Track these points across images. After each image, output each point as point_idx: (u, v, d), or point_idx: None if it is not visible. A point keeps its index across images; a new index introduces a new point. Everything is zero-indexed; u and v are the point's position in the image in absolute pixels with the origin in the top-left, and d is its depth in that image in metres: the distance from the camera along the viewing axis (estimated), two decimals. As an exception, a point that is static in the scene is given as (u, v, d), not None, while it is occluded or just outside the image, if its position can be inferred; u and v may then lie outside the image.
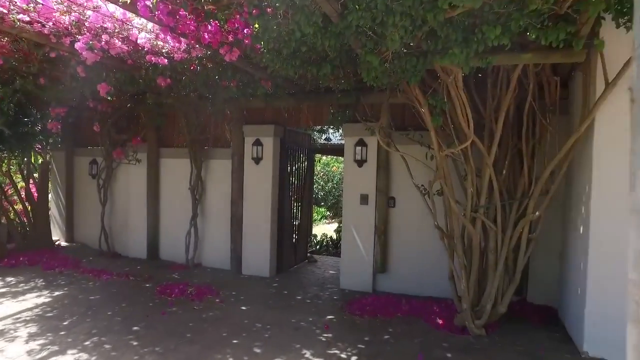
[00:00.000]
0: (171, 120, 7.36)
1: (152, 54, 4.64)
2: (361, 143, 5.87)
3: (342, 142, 12.46)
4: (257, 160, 6.53)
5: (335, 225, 15.80)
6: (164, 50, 4.70)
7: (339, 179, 21.88)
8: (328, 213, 19.68)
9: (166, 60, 4.73)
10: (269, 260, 6.54)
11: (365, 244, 5.90)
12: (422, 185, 4.93)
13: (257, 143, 6.50)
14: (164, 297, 5.41)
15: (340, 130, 14.24)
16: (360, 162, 5.89)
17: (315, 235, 10.91)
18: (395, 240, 5.87)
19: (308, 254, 8.10)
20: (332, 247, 10.89)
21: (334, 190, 20.56)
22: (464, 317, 4.29)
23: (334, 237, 11.51)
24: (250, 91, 5.59)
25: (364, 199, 5.88)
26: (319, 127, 8.94)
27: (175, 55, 4.65)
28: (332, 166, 21.66)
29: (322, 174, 20.48)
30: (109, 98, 5.68)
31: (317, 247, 10.26)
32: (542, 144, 4.40)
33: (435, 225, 4.62)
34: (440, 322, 4.57)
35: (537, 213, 4.13)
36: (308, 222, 8.09)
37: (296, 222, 7.43)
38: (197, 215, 6.97)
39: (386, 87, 4.71)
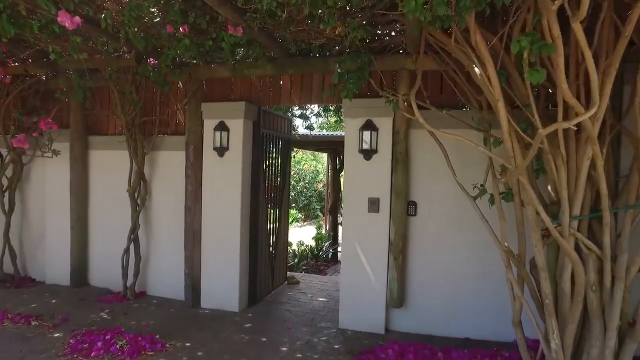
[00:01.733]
0: (103, 97, 5.42)
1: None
2: (369, 127, 4.18)
3: (326, 133, 10.73)
4: (221, 151, 4.73)
5: (308, 230, 14.07)
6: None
7: (311, 177, 20.26)
8: (300, 215, 18.04)
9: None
10: (238, 287, 4.76)
11: (376, 267, 4.23)
12: (480, 184, 3.30)
13: (221, 127, 4.70)
14: (76, 357, 3.54)
15: (322, 119, 12.43)
16: (369, 153, 4.21)
17: (290, 244, 9.14)
18: (416, 262, 4.24)
19: (287, 274, 6.36)
20: (312, 258, 9.20)
21: (305, 190, 18.95)
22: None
23: (312, 245, 9.81)
24: (210, 45, 3.78)
25: (374, 205, 4.21)
26: (302, 109, 7.18)
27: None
28: (304, 164, 20.02)
29: (292, 172, 18.90)
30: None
31: (295, 259, 8.52)
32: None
33: (504, 250, 2.99)
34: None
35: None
36: (286, 233, 6.34)
37: (273, 234, 5.67)
38: (139, 226, 5.08)
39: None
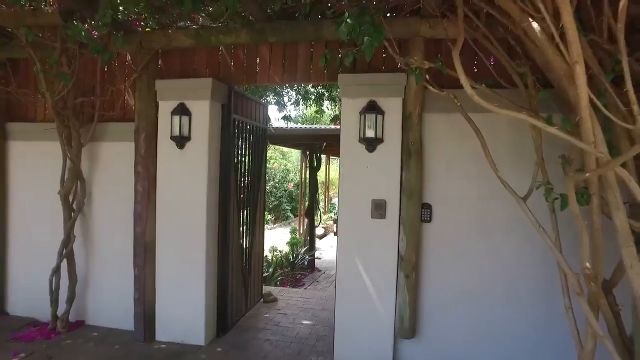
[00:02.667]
0: (25, 71, 4.25)
1: None
2: (373, 109, 3.28)
3: (303, 127, 9.69)
4: (182, 141, 3.70)
5: (279, 233, 13.05)
6: None
7: (281, 177, 19.24)
8: (269, 217, 16.99)
9: None
10: (203, 314, 3.74)
11: (381, 287, 3.34)
12: (547, 182, 2.46)
13: (182, 111, 3.67)
14: None
15: (296, 112, 11.35)
16: (372, 143, 3.31)
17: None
18: (432, 280, 3.38)
19: (263, 291, 5.37)
20: (287, 266, 8.23)
21: (275, 190, 17.91)
22: None
23: (286, 250, 8.84)
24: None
25: (380, 209, 3.32)
26: (277, 97, 6.18)
27: None
28: (274, 162, 18.98)
29: (262, 171, 17.72)
30: None
31: (269, 268, 7.51)
32: None
33: (585, 271, 2.16)
34: None
35: None
36: (262, 241, 5.34)
37: (247, 243, 4.66)
38: (74, 238, 3.95)
39: None
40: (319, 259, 9.27)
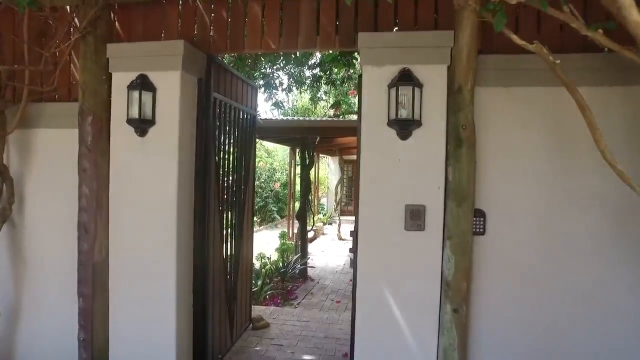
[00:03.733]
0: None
1: None
2: (408, 80, 2.37)
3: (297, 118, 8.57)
4: (143, 126, 2.72)
5: (265, 236, 12.02)
6: None
7: (267, 176, 18.22)
8: (255, 219, 15.96)
9: None
10: (174, 354, 2.77)
11: (418, 325, 2.44)
12: None
13: (143, 85, 2.68)
14: None
15: (292, 97, 10.31)
16: (407, 126, 2.40)
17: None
18: (488, 315, 2.48)
19: (252, 313, 4.41)
20: (277, 275, 7.27)
21: (260, 190, 16.89)
22: None
23: (275, 257, 7.87)
24: None
25: (416, 217, 2.41)
26: (266, 79, 5.18)
27: None
28: (259, 161, 17.96)
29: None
30: None
31: (256, 280, 6.51)
32: None
33: None
34: None
35: None
36: (250, 252, 4.38)
37: (232, 257, 3.71)
38: (-2, 258, 2.94)
39: None
40: (313, 267, 8.34)
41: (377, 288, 2.47)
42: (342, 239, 12.27)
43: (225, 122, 3.38)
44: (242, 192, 3.89)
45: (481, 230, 2.46)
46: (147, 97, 2.69)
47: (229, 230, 3.63)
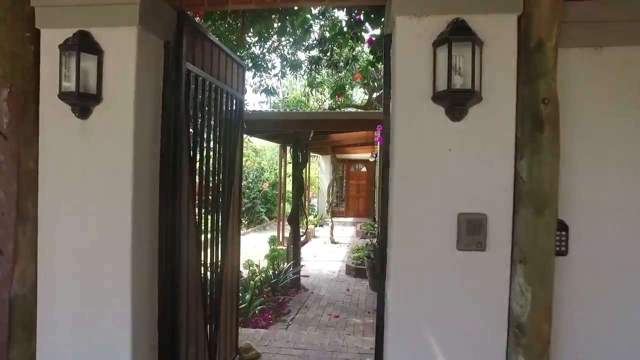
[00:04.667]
0: None
1: None
2: (461, 34, 1.63)
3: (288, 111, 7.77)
4: (83, 103, 1.93)
5: (253, 239, 11.14)
6: None
7: (255, 175, 17.38)
8: (242, 221, 15.15)
9: None
10: (133, 420, 2.00)
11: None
12: None
13: (82, 46, 1.89)
14: None
15: (284, 88, 9.46)
16: (462, 101, 1.66)
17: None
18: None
19: (239, 342, 3.62)
20: (267, 286, 6.48)
21: (248, 191, 16.07)
22: None
23: (266, 264, 7.08)
24: None
25: (475, 232, 1.68)
26: (256, 61, 4.39)
27: None
28: (247, 160, 17.13)
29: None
30: None
31: (244, 294, 5.67)
32: None
33: None
34: None
35: None
36: (236, 267, 3.59)
37: (213, 271, 2.91)
38: None
39: None
40: (307, 276, 7.59)
41: (418, 332, 1.73)
42: (335, 242, 11.57)
43: (203, 104, 2.61)
44: (226, 192, 3.11)
45: (564, 248, 1.75)
46: (89, 62, 1.90)
47: (211, 239, 2.86)
